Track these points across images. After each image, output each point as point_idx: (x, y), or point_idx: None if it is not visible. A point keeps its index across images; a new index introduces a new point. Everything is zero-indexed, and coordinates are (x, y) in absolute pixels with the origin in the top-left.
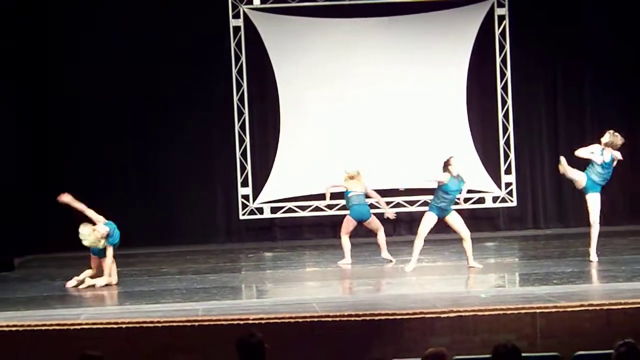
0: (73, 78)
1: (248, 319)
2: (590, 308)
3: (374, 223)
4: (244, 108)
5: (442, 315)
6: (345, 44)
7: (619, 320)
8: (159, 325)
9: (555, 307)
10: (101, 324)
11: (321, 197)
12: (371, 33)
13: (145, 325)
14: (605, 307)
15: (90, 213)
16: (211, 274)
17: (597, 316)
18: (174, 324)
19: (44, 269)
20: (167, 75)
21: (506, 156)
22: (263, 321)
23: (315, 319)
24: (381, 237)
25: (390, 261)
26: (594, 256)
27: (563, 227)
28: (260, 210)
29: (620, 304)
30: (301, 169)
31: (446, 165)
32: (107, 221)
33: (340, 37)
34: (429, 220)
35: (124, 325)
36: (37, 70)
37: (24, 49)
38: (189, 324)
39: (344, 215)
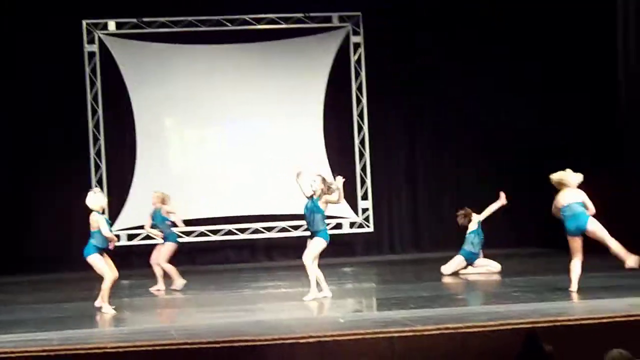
0: None
1: (106, 348)
2: (446, 332)
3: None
4: (99, 134)
5: (302, 341)
6: (203, 70)
7: (474, 343)
8: (13, 356)
9: (412, 330)
10: None
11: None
12: (230, 59)
13: None
14: (460, 331)
15: None
16: (66, 303)
17: (453, 339)
18: (28, 354)
19: None
20: (19, 102)
21: (362, 182)
22: (121, 349)
23: (174, 347)
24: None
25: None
26: None
27: (419, 252)
28: (117, 238)
29: (476, 326)
30: None
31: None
32: None
33: (199, 63)
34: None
35: None
36: None
37: None
38: (44, 353)
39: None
